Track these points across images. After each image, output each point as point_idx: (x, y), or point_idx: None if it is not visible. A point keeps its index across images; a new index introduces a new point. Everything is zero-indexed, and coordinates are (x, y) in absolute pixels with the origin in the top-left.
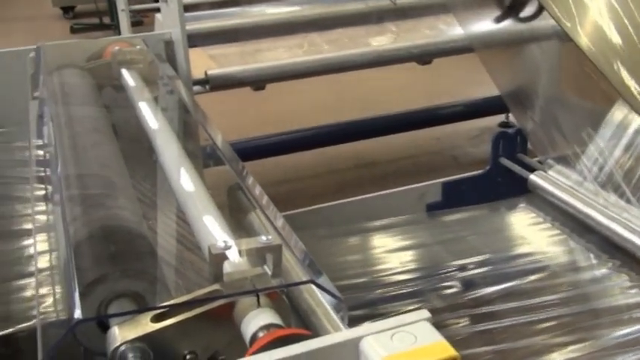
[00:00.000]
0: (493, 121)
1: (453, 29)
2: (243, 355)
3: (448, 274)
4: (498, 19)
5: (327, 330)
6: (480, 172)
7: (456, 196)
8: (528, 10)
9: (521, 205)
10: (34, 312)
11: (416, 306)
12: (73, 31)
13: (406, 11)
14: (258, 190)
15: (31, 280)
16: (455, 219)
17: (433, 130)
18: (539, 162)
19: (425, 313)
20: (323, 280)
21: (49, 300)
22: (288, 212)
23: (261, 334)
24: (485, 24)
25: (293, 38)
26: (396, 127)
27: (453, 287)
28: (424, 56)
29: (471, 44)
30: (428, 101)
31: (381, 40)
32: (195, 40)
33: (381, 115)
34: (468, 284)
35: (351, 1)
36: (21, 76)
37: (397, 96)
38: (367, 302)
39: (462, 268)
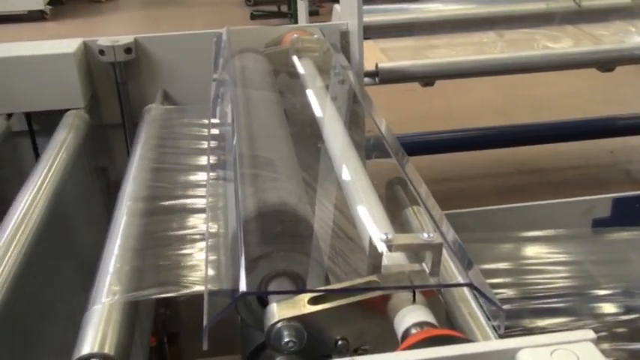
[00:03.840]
0: None
1: None
2: (393, 349)
3: (608, 296)
4: None
5: (475, 336)
6: None
7: (626, 214)
8: None
9: None
10: (196, 280)
11: (565, 322)
12: (253, 17)
13: (591, 14)
14: (421, 186)
15: (195, 250)
16: (623, 238)
17: (607, 142)
18: None
19: (590, 334)
20: (482, 285)
21: (214, 271)
22: (445, 212)
23: (414, 331)
24: None
25: (468, 36)
26: (567, 135)
27: (611, 310)
28: (606, 63)
29: None
30: (604, 110)
31: (560, 42)
32: (370, 32)
33: (552, 121)
34: (630, 309)
35: (531, 0)
36: (207, 57)
37: (571, 102)
38: (515, 313)
39: (626, 291)
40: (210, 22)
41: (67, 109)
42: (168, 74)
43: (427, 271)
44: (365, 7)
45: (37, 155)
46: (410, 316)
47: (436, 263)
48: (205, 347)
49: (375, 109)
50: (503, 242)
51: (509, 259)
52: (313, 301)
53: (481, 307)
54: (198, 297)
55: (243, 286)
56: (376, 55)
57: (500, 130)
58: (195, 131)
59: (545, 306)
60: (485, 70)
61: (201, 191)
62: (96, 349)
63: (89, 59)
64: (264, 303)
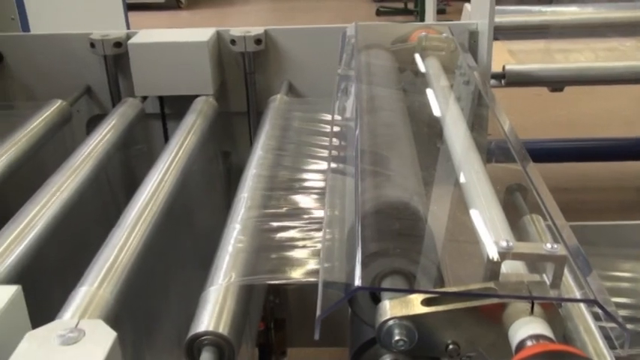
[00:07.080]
0: None
1: None
2: (505, 359)
3: None
4: None
5: (591, 355)
6: None
7: None
8: None
9: None
10: (309, 270)
11: None
12: (378, 13)
13: None
14: (546, 195)
15: (311, 241)
16: None
17: None
18: None
19: None
20: (607, 302)
21: (329, 262)
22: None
23: (529, 343)
24: None
25: (604, 41)
26: None
27: None
28: None
29: None
30: None
31: None
32: (499, 33)
33: None
34: None
35: None
36: (332, 52)
37: None
38: (635, 335)
39: None
40: (336, 16)
41: (197, 95)
42: (294, 66)
43: (547, 283)
44: (496, 8)
45: (167, 137)
46: (526, 327)
47: (558, 276)
48: (317, 337)
49: (502, 112)
50: (627, 260)
51: (632, 278)
52: (426, 302)
53: (599, 325)
54: (307, 286)
55: (357, 281)
56: (503, 56)
57: (629, 141)
58: (317, 124)
59: None
60: (620, 77)
61: (321, 183)
62: (211, 328)
63: (221, 48)
64: (376, 299)
